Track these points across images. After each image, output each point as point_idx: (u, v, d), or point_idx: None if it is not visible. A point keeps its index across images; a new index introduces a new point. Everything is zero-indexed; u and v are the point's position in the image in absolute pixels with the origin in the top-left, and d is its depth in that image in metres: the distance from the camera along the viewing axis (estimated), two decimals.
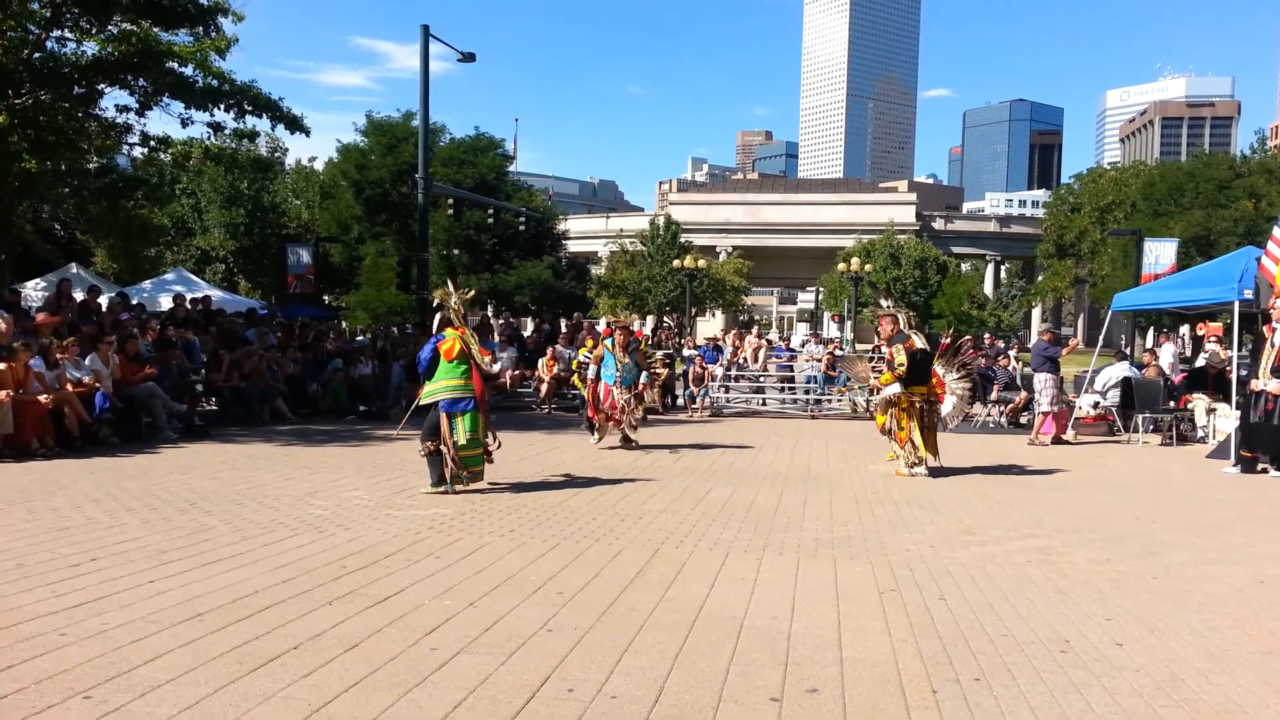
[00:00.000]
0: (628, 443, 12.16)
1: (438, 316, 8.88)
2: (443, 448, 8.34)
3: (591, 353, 12.73)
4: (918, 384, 10.20)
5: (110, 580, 5.26)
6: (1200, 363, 17.18)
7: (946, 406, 10.70)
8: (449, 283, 9.19)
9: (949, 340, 11.26)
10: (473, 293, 9.27)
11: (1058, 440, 13.95)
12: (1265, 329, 11.17)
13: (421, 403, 8.65)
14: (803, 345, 26.68)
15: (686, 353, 21.63)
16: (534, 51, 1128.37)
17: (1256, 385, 10.74)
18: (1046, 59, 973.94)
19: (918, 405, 10.19)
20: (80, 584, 5.17)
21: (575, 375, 13.41)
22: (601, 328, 13.96)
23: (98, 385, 11.71)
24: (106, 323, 14.43)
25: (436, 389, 8.49)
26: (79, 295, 16.06)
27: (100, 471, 9.46)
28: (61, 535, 6.43)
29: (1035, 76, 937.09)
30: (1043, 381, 14.06)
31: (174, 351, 14.26)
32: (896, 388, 10.12)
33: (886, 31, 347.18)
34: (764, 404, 19.45)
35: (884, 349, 10.79)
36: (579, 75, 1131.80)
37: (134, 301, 17.89)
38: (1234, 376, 12.85)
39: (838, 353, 22.24)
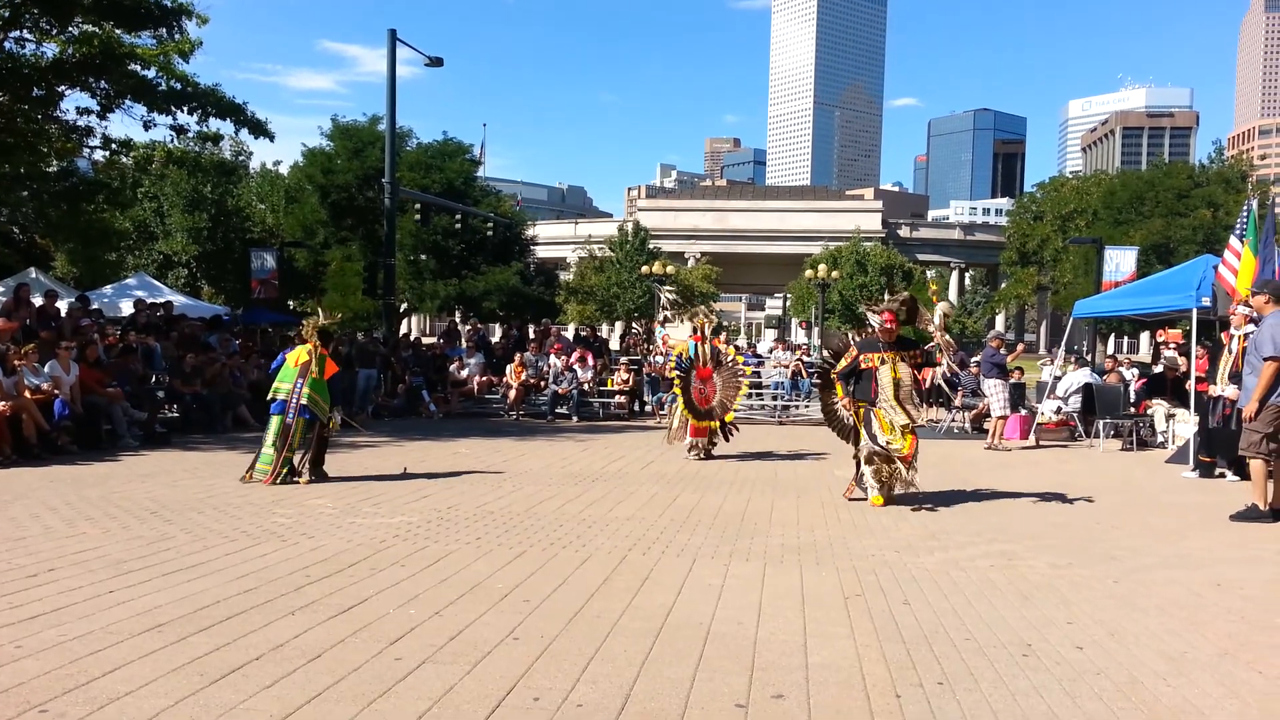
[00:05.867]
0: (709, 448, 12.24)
1: (317, 334, 9.67)
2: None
3: (728, 354, 12.63)
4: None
5: (68, 591, 5.17)
6: (1159, 369, 17.46)
7: None
8: (320, 312, 10.22)
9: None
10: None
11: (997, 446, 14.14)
12: (1223, 335, 11.36)
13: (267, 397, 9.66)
14: (770, 352, 26.86)
15: (654, 359, 21.65)
16: (503, 57, 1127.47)
17: (1214, 391, 10.91)
18: (1010, 69, 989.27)
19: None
20: (37, 595, 5.08)
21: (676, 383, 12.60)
22: (689, 334, 13.14)
23: (56, 392, 11.52)
24: (66, 328, 14.19)
25: (275, 387, 9.54)
26: (38, 300, 15.76)
27: (59, 480, 9.30)
28: (18, 545, 6.31)
29: (999, 86, 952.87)
30: (992, 387, 14.49)
31: (131, 357, 14.06)
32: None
33: (853, 41, 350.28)
34: None
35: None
36: (548, 81, 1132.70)
37: (94, 306, 17.59)
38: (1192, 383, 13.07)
39: (805, 358, 22.39)
